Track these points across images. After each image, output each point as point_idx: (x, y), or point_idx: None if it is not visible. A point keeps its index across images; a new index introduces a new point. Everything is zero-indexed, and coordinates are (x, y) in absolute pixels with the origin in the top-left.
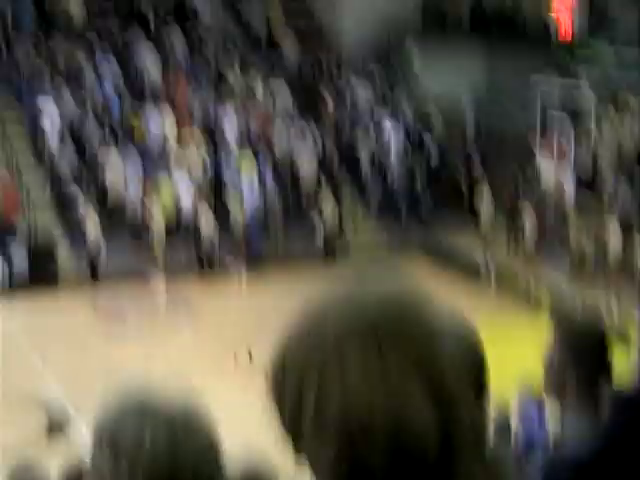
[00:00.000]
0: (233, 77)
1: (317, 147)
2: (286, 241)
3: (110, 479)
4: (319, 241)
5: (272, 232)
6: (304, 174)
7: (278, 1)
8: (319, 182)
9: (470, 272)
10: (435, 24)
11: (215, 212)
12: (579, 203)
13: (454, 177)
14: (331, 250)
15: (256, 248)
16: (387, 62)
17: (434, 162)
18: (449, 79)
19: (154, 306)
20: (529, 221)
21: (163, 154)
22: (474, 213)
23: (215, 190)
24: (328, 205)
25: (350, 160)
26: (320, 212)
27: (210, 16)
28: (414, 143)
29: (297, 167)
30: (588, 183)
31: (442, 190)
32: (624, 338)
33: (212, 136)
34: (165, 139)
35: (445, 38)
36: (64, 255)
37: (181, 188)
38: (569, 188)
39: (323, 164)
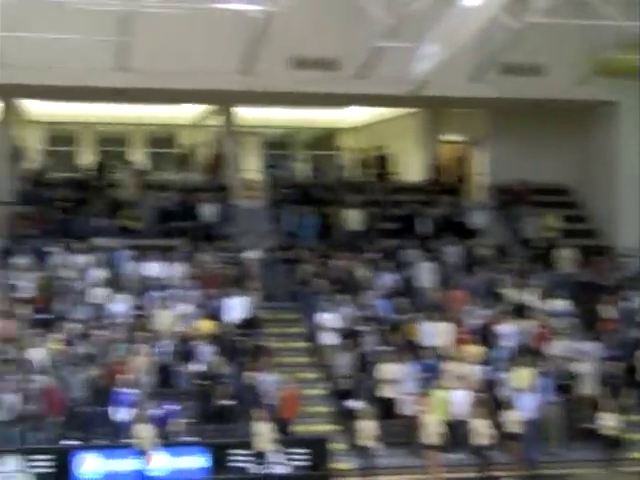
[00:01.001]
0: (511, 292)
1: (597, 362)
2: (566, 453)
3: None
4: (600, 454)
5: (551, 444)
6: (584, 388)
7: (557, 217)
8: (600, 395)
9: None
10: None
11: (491, 424)
12: None
13: None
14: (613, 462)
15: (532, 460)
16: None
17: None
18: None
19: None
20: None
21: (439, 368)
22: None
23: (491, 403)
24: (609, 419)
25: (631, 375)
26: (601, 426)
27: (489, 232)
28: None
29: (577, 381)
30: None
31: None
32: None
33: (488, 350)
34: (441, 353)
35: None
36: (341, 461)
37: (456, 401)
38: None
39: (604, 379)
